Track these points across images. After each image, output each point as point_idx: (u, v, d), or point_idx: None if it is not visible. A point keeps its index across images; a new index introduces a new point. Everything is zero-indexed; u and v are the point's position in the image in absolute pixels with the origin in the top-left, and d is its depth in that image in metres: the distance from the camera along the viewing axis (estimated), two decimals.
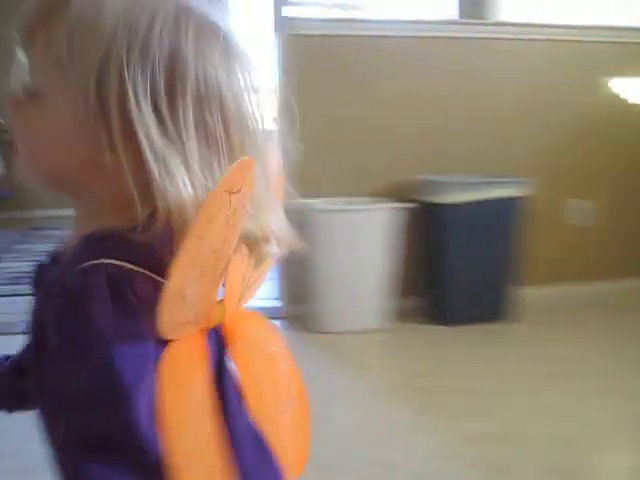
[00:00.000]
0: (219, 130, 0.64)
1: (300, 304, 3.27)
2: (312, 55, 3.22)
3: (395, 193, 3.26)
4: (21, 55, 0.67)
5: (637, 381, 2.53)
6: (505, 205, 3.14)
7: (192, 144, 0.62)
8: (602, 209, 3.71)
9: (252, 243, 0.68)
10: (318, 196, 3.11)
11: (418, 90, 3.38)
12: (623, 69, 3.67)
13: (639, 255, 3.81)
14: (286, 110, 0.80)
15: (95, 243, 0.63)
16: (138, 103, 0.59)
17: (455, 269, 3.16)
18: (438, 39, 3.41)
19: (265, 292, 3.70)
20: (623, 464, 2.05)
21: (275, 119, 0.76)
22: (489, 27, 3.61)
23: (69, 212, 0.72)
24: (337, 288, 3.05)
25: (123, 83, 0.59)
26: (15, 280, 4.21)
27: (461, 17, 4.02)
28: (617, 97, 3.67)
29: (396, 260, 3.12)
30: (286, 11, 3.19)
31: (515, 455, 1.98)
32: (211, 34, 0.65)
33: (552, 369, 2.65)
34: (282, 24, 3.17)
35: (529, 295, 3.42)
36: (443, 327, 3.15)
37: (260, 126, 0.69)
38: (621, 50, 3.64)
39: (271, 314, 3.31)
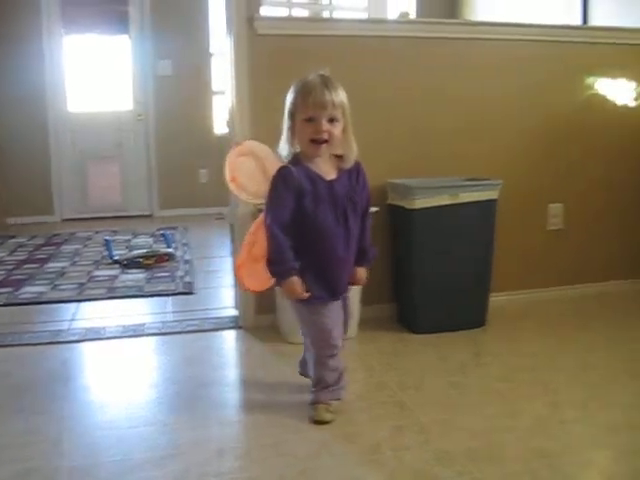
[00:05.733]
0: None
1: (266, 314, 3.12)
2: (277, 55, 3.06)
3: None
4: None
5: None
6: (478, 209, 3.00)
7: None
8: (576, 213, 3.59)
9: None
10: None
11: (387, 92, 3.21)
12: (601, 71, 3.54)
13: (614, 258, 3.73)
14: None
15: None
16: None
17: (425, 276, 2.99)
18: (408, 39, 3.24)
19: (221, 301, 3.59)
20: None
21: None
22: (463, 27, 3.47)
23: None
24: None
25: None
26: None
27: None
28: (595, 99, 3.55)
29: None
30: (249, 11, 3.03)
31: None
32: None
33: (522, 377, 2.53)
34: (247, 23, 3.00)
35: (501, 301, 3.34)
36: (413, 335, 3.01)
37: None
38: (600, 51, 3.52)
39: (227, 324, 3.16)
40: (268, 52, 3.03)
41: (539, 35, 3.42)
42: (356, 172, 2.16)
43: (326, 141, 2.05)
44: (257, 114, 3.03)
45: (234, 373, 2.69)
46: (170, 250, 4.79)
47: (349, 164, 2.14)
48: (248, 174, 2.34)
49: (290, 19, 4.20)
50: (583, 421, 2.16)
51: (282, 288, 2.12)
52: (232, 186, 2.36)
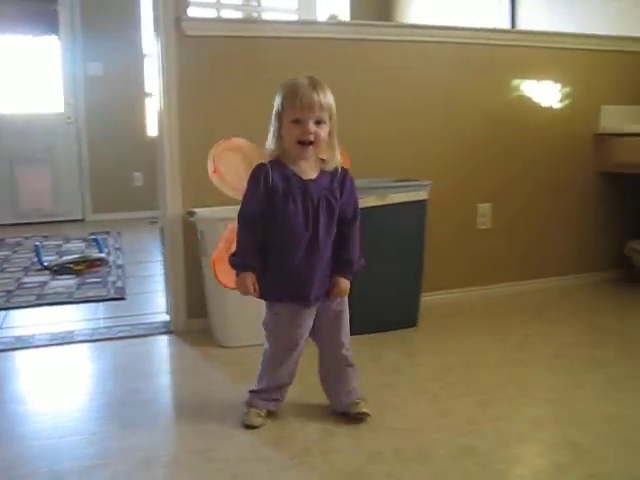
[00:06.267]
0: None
1: (198, 318, 3.12)
2: (205, 56, 3.04)
3: None
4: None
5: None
6: (408, 209, 3.03)
7: None
8: (504, 212, 3.67)
9: None
10: (209, 205, 2.93)
11: None
12: (529, 73, 3.62)
13: (548, 256, 3.82)
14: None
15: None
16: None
17: (356, 277, 2.98)
18: (339, 41, 3.25)
19: (153, 306, 3.55)
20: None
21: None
22: (392, 29, 3.50)
23: None
24: (230, 301, 2.83)
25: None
26: None
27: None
28: (524, 101, 3.63)
29: None
30: (177, 11, 2.99)
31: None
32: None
33: (453, 376, 2.57)
34: (175, 24, 2.97)
35: (432, 301, 3.40)
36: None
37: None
38: (528, 54, 3.61)
39: (158, 329, 3.13)
40: (196, 53, 3.00)
41: (470, 38, 3.48)
42: (342, 177, 2.11)
43: (312, 143, 2.01)
44: (185, 116, 3.00)
45: (165, 379, 2.65)
46: (102, 255, 4.70)
47: (331, 167, 2.09)
48: (232, 169, 2.33)
49: (218, 20, 4.18)
50: (510, 418, 2.20)
51: (236, 280, 2.09)
52: (213, 178, 2.34)
